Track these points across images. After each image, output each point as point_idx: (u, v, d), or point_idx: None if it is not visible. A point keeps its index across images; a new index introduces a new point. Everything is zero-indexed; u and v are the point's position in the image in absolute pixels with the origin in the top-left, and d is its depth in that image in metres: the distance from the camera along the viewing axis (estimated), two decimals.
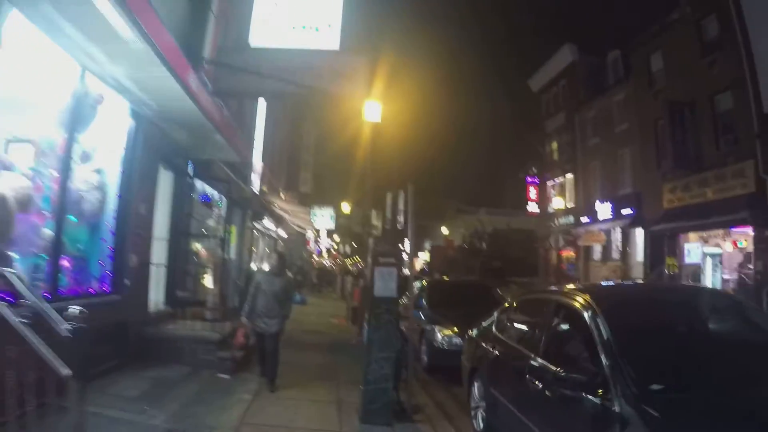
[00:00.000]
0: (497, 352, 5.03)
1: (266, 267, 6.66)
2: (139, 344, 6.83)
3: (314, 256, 53.49)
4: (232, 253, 13.25)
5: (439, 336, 8.40)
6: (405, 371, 6.27)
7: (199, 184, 10.18)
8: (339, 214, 37.72)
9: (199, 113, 6.42)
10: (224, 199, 11.94)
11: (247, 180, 13.48)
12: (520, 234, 42.55)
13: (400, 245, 6.96)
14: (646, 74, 21.17)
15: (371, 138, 10.84)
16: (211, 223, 10.91)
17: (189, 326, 7.59)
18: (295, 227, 23.95)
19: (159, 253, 8.15)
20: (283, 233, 23.74)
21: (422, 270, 41.03)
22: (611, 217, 24.10)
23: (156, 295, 7.91)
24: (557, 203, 28.20)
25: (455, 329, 8.25)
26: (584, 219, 26.58)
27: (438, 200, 49.51)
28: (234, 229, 13.39)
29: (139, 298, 7.16)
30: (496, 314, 5.60)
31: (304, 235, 36.77)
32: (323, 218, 43.13)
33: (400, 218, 9.09)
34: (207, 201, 10.41)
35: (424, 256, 54.03)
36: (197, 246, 10.14)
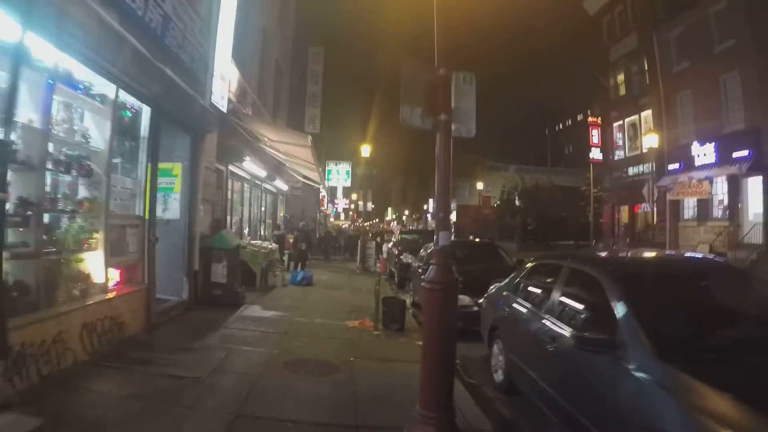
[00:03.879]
0: None
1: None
2: None
3: (330, 218, 48.40)
4: (174, 209, 7.77)
5: None
6: None
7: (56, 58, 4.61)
8: (357, 163, 31.69)
9: None
10: (141, 104, 6.39)
11: (192, 79, 7.85)
12: (565, 191, 36.95)
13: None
14: None
15: None
16: (95, 143, 5.39)
17: None
18: (299, 178, 18.22)
19: None
20: (283, 186, 18.11)
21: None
22: (714, 161, 18.59)
23: None
24: (650, 141, 21.36)
25: None
26: (673, 166, 20.61)
27: (462, 155, 42.27)
28: (178, 168, 7.88)
29: None
30: None
31: (317, 192, 30.41)
32: (339, 175, 37.61)
33: None
34: (75, 90, 4.88)
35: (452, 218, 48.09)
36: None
